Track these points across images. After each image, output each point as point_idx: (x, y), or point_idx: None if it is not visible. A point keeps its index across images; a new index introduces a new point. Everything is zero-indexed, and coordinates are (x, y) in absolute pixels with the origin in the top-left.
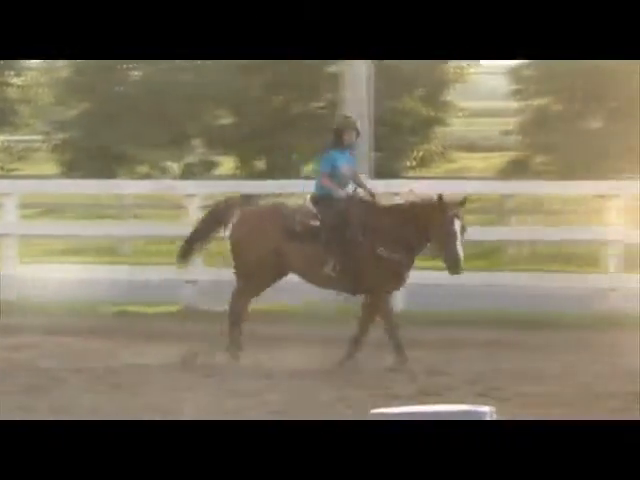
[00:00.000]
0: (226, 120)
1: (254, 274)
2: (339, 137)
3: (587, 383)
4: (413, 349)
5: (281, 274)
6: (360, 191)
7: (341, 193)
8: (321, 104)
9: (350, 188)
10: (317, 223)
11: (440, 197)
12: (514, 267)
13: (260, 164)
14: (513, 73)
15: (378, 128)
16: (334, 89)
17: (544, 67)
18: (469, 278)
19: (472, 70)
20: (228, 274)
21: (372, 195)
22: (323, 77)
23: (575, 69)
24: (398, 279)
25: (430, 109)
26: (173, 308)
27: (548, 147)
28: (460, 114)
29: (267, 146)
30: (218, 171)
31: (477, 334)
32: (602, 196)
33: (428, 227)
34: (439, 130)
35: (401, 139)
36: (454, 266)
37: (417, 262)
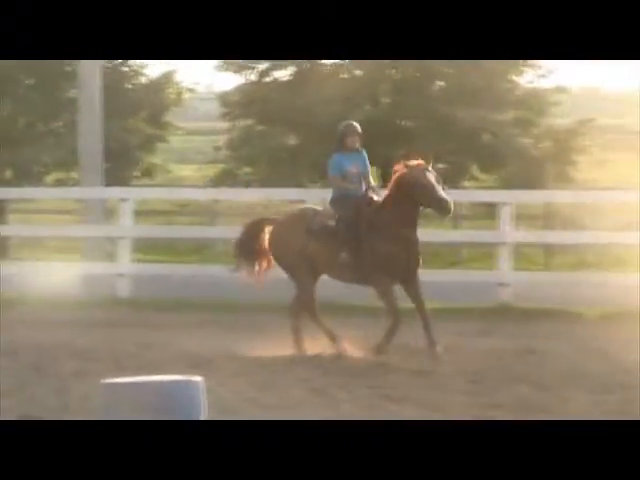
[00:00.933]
0: None
1: (293, 271)
2: (342, 142)
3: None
4: (140, 329)
5: (314, 270)
6: (370, 191)
7: (355, 191)
8: (61, 123)
9: (362, 188)
10: (334, 222)
11: (405, 165)
12: (223, 260)
13: (8, 174)
14: (222, 98)
15: (109, 144)
16: (72, 111)
17: (246, 93)
18: (184, 269)
19: (187, 95)
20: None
21: (377, 192)
22: (63, 100)
23: (271, 97)
24: (402, 267)
25: (152, 128)
26: None
27: (251, 160)
28: (178, 132)
29: (14, 159)
30: None
31: (190, 317)
32: (292, 201)
33: (412, 192)
34: (160, 146)
35: (128, 153)
36: (443, 209)
37: (146, 256)
